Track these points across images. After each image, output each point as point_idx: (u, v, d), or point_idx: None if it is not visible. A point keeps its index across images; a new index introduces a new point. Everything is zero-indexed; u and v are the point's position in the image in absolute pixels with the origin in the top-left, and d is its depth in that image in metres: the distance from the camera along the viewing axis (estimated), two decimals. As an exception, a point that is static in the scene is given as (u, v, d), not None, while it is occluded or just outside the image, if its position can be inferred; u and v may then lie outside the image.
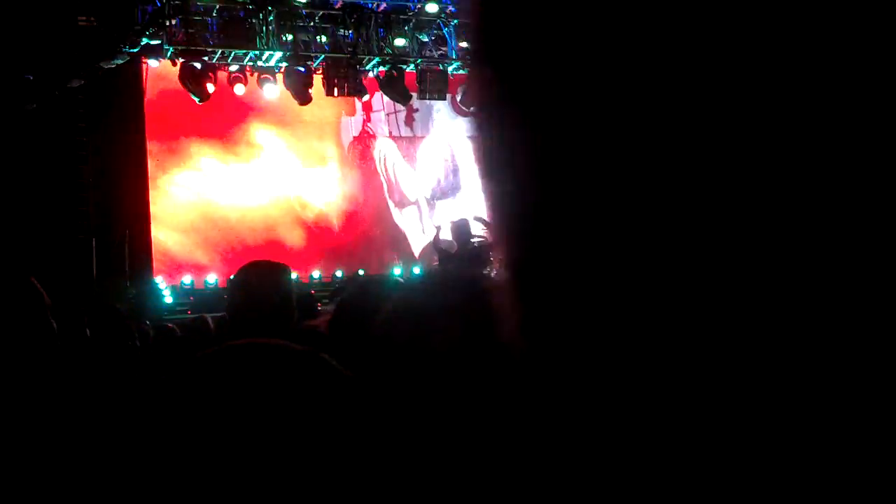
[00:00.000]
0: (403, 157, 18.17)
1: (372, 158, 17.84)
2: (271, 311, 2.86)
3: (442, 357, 1.61)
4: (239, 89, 14.19)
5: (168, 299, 13.79)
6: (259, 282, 2.91)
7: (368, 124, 18.06)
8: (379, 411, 1.67)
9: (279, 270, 3.04)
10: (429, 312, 1.65)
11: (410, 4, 13.81)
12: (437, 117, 18.50)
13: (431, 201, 18.25)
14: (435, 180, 18.34)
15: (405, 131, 18.36)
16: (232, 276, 3.00)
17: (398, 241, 17.71)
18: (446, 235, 9.60)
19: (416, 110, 18.00)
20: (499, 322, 0.43)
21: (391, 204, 18.05)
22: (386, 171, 18.12)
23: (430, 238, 9.62)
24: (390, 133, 18.17)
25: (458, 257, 8.79)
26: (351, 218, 17.35)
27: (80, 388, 3.52)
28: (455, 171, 18.49)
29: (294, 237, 16.41)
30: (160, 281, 14.00)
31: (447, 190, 18.38)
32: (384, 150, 18.07)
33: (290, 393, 1.28)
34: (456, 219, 9.59)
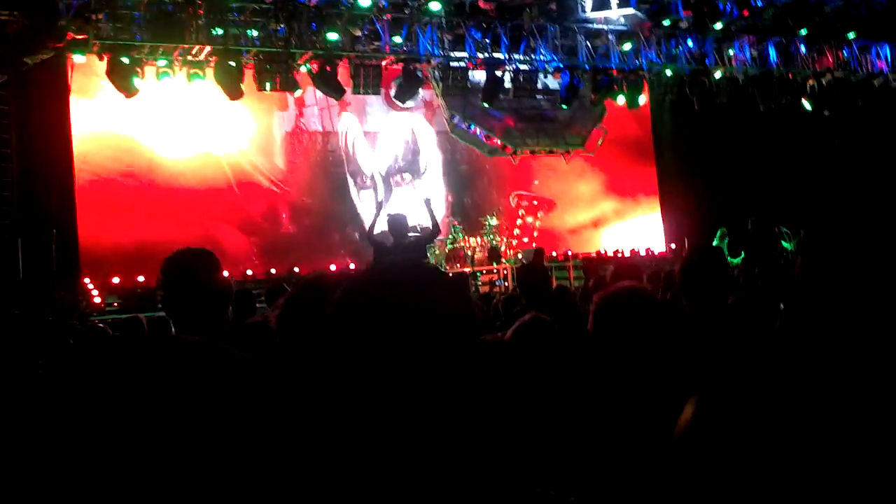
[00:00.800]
0: (364, 133, 18.25)
1: (306, 153, 17.75)
2: (199, 305, 2.83)
3: (399, 342, 1.61)
4: (168, 84, 13.91)
5: (97, 300, 13.51)
6: (183, 274, 2.88)
7: (301, 119, 17.94)
8: (284, 393, 1.67)
9: (203, 262, 3.01)
10: (381, 299, 1.65)
11: (343, -1, 13.71)
12: (370, 111, 18.49)
13: (387, 180, 18.27)
14: (392, 157, 18.38)
15: (337, 127, 18.28)
16: (161, 270, 2.95)
17: (355, 222, 17.64)
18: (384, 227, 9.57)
19: (348, 105, 17.94)
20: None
21: (350, 182, 18.07)
22: (346, 144, 18.15)
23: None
24: (323, 128, 18.08)
25: (394, 251, 8.77)
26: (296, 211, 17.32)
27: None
28: (415, 153, 18.64)
29: (231, 236, 16.23)
30: (88, 282, 13.69)
31: (405, 170, 18.47)
32: (347, 123, 18.13)
33: (183, 380, 1.29)
34: (393, 212, 9.61)
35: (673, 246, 18.69)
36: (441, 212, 18.48)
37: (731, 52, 16.95)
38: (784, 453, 1.37)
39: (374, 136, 18.40)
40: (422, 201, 9.78)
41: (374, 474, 1.44)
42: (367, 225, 9.72)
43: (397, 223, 8.99)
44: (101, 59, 12.71)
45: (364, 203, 17.89)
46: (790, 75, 17.36)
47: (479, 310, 6.27)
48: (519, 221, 19.25)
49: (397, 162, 18.53)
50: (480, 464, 1.58)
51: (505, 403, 2.85)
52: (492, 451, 1.73)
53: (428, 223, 9.62)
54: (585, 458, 2.13)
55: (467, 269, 15.86)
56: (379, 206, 9.52)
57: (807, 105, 17.66)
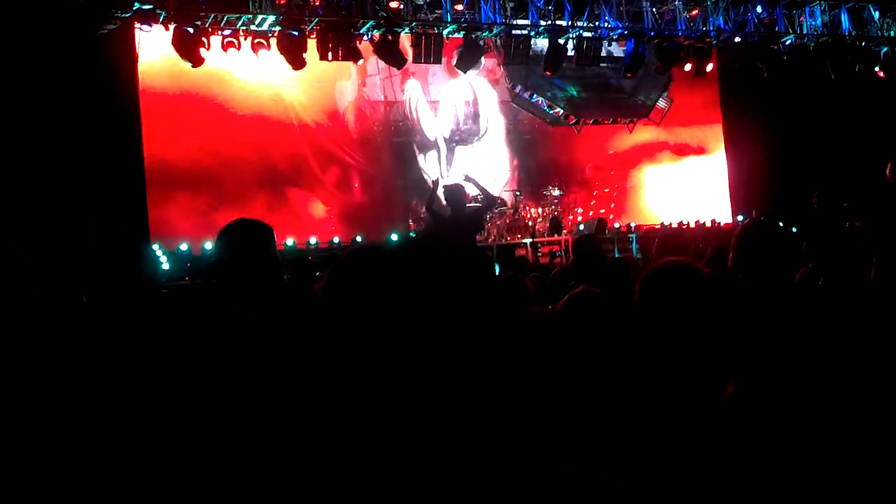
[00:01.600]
0: (427, 99, 18.38)
1: (369, 122, 17.86)
2: (252, 271, 2.88)
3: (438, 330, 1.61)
4: (233, 54, 14.05)
5: (165, 266, 13.82)
6: (239, 241, 2.94)
7: (364, 89, 18.00)
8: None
9: (259, 231, 3.06)
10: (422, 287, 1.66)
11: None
12: (432, 81, 18.48)
13: (451, 144, 18.39)
14: (454, 120, 18.46)
15: (400, 95, 18.30)
16: (218, 235, 3.01)
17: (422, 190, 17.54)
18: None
19: (413, 74, 17.96)
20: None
21: (415, 147, 18.26)
22: (410, 110, 18.29)
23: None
24: (385, 97, 18.13)
25: (451, 222, 8.78)
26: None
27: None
28: (475, 117, 18.70)
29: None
30: (157, 248, 13.99)
31: (466, 134, 18.56)
32: (411, 90, 18.26)
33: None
34: (450, 183, 9.62)
35: (740, 218, 18.33)
36: (505, 176, 18.60)
37: (801, 18, 16.45)
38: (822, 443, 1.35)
39: (437, 103, 18.45)
40: (463, 178, 9.79)
41: (420, 439, 1.46)
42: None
43: (454, 194, 8.97)
44: (166, 28, 12.89)
45: (430, 167, 18.06)
46: (863, 42, 16.78)
47: (536, 281, 6.24)
48: (595, 192, 19.22)
49: (459, 125, 18.58)
50: (523, 430, 1.59)
51: (551, 373, 2.85)
52: (532, 420, 1.73)
53: (482, 195, 9.59)
54: (621, 434, 2.13)
55: (528, 240, 15.82)
56: (435, 181, 9.52)
57: (881, 74, 17.08)
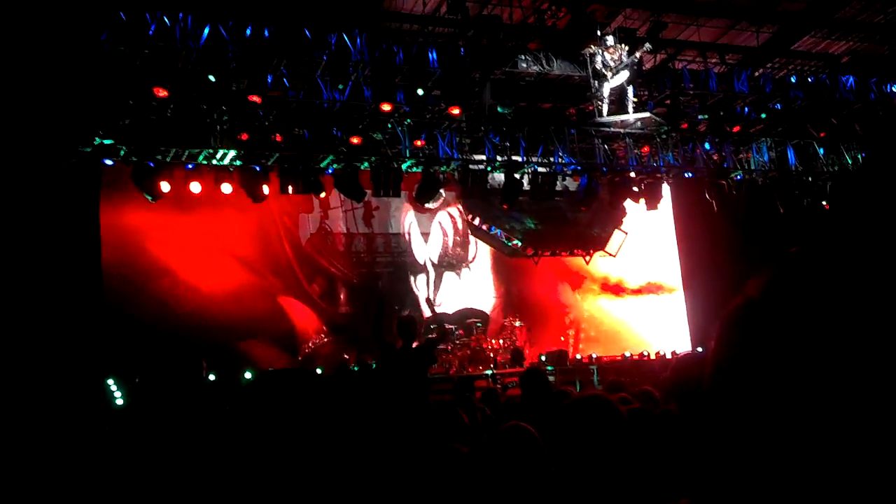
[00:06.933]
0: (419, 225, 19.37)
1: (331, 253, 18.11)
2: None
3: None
4: (195, 187, 14.19)
5: (119, 401, 13.55)
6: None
7: (326, 221, 18.24)
8: None
9: None
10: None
11: (365, 104, 14.02)
12: (395, 215, 18.84)
13: (439, 268, 18.75)
14: (442, 246, 18.91)
15: (362, 228, 18.57)
16: None
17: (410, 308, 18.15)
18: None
19: (377, 208, 18.29)
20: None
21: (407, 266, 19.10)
22: (408, 234, 19.21)
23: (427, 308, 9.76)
24: (347, 229, 18.38)
25: (404, 353, 8.76)
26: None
27: None
28: (464, 245, 19.33)
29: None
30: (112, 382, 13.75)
31: (454, 260, 19.17)
32: (409, 219, 19.32)
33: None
34: (404, 314, 9.64)
35: (700, 349, 18.41)
36: (490, 303, 18.98)
37: (749, 154, 17.08)
38: None
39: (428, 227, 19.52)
40: (431, 301, 9.84)
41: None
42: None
43: (405, 327, 8.96)
44: (126, 163, 13.06)
45: (420, 289, 18.90)
46: (810, 178, 17.40)
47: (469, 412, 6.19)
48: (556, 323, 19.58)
49: (447, 252, 19.17)
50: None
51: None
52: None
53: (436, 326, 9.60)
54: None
55: (489, 371, 15.76)
56: (380, 304, 9.36)
57: (827, 207, 17.63)
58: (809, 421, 0.90)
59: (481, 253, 19.75)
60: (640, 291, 20.59)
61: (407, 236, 19.19)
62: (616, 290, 20.57)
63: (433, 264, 19.18)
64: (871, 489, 0.86)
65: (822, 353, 0.90)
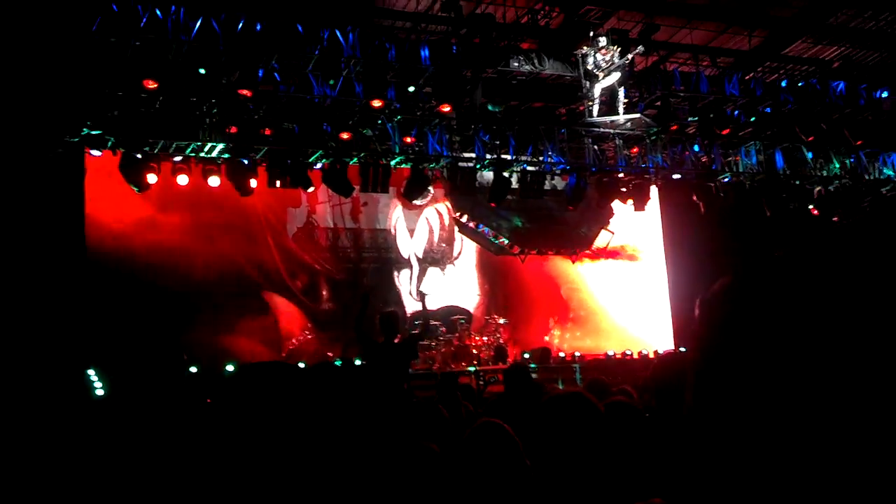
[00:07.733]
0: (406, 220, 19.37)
1: (317, 248, 18.09)
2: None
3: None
4: (182, 180, 14.13)
5: (100, 392, 13.51)
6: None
7: (313, 215, 18.22)
8: None
9: None
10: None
11: (355, 100, 13.99)
12: (383, 210, 18.83)
13: (423, 263, 18.80)
14: (427, 242, 18.91)
15: (350, 223, 18.56)
16: None
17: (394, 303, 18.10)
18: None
19: (365, 203, 18.28)
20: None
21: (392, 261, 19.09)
22: (394, 228, 19.17)
23: (417, 303, 9.75)
24: (334, 225, 18.37)
25: (386, 348, 8.76)
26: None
27: None
28: (449, 241, 19.38)
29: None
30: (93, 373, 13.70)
31: (438, 255, 19.21)
32: (396, 214, 19.26)
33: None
34: (386, 310, 9.63)
35: (683, 349, 18.49)
36: (474, 300, 18.95)
37: (737, 157, 17.13)
38: None
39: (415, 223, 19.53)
40: (423, 294, 9.85)
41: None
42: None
43: (387, 322, 8.96)
44: (114, 154, 13.01)
45: (403, 284, 18.97)
46: (798, 181, 17.46)
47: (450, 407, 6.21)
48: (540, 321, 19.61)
49: (432, 248, 19.19)
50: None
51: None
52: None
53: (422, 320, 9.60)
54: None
55: (472, 368, 15.77)
56: (364, 299, 9.30)
57: (815, 212, 17.72)
58: (791, 411, 0.90)
59: (466, 250, 19.74)
60: (626, 286, 20.62)
61: (393, 231, 19.19)
62: (601, 285, 20.61)
63: (417, 259, 19.21)
64: (856, 482, 0.85)
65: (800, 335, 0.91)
